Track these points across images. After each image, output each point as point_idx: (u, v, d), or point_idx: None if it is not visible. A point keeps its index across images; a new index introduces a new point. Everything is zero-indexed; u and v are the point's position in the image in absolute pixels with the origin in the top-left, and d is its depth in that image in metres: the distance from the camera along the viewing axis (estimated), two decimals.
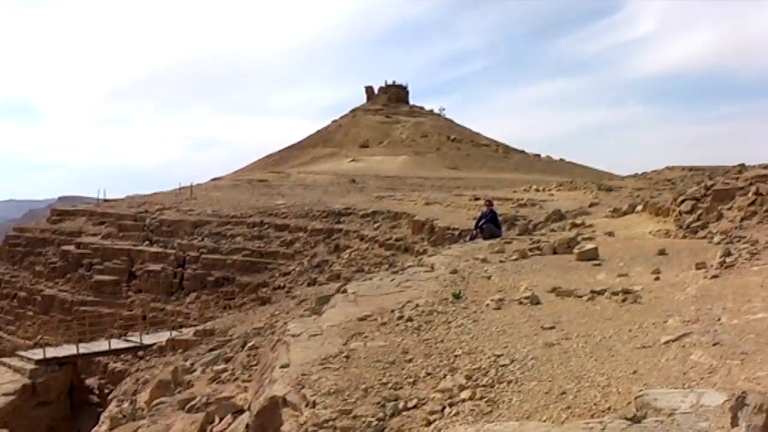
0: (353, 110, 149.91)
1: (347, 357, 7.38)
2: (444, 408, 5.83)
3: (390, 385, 6.49)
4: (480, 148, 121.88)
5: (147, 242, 48.79)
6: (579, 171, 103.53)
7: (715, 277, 9.28)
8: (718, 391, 4.64)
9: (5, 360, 31.26)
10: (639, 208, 19.95)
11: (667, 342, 6.57)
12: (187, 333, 27.92)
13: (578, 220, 21.09)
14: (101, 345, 32.34)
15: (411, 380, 6.57)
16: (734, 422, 3.89)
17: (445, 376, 6.53)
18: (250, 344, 15.64)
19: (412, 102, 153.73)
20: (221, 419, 9.85)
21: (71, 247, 50.68)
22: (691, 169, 38.45)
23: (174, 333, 30.79)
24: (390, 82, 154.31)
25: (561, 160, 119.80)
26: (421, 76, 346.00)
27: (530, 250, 14.13)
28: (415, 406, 5.98)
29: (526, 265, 12.51)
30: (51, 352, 30.95)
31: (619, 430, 4.21)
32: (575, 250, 12.94)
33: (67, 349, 31.64)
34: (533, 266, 12.37)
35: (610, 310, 8.30)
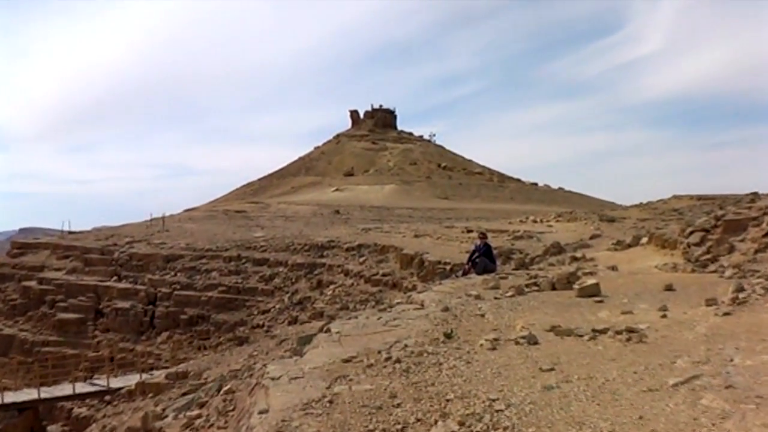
0: (337, 136, 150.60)
1: (331, 402, 7.29)
2: None
3: None
4: (473, 176, 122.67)
5: (115, 278, 48.49)
6: (579, 200, 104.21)
7: (726, 314, 9.27)
8: None
9: None
10: (644, 240, 19.99)
11: (675, 385, 6.53)
12: (159, 376, 27.63)
13: (578, 254, 21.10)
14: (65, 389, 31.91)
15: (399, 427, 6.48)
16: None
17: (436, 422, 6.45)
18: (226, 388, 15.46)
19: (400, 127, 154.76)
20: None
21: (33, 283, 50.26)
22: (699, 198, 38.60)
23: (144, 376, 30.49)
24: (376, 105, 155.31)
25: (560, 189, 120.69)
26: (410, 99, 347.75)
27: (527, 285, 14.07)
28: None
29: (522, 302, 12.45)
30: (10, 397, 30.50)
31: None
32: (575, 286, 12.91)
33: (28, 394, 31.22)
34: (530, 303, 12.32)
35: (614, 351, 8.26)
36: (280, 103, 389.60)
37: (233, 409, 11.67)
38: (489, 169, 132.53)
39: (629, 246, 20.35)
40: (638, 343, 8.45)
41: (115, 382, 31.33)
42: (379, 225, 53.04)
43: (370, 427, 6.53)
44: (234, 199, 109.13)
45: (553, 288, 13.67)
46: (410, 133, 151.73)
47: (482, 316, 11.46)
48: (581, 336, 9.09)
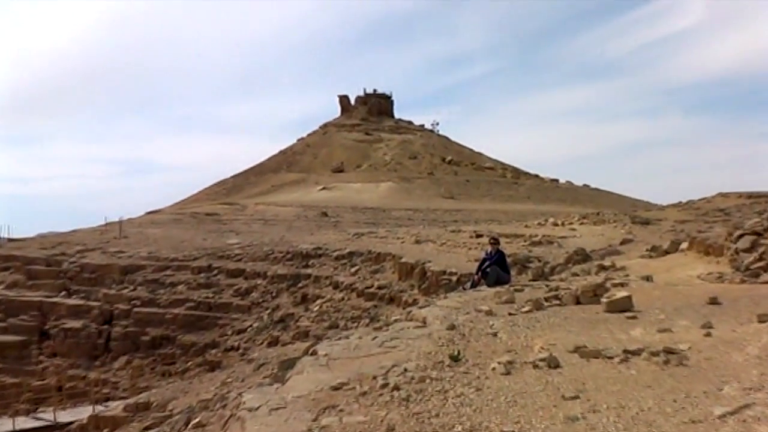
0: (324, 126, 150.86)
1: None
2: None
3: None
4: (483, 172, 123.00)
5: (64, 293, 48.35)
6: (607, 199, 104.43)
7: None
8: None
9: None
10: (684, 245, 20.00)
11: (722, 416, 6.50)
12: (116, 408, 27.55)
13: (607, 262, 21.10)
14: (4, 425, 31.76)
15: None
16: None
17: None
18: (195, 421, 15.41)
19: (397, 115, 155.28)
20: None
21: None
22: (749, 196, 38.55)
23: (98, 408, 30.38)
24: (370, 90, 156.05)
25: (584, 186, 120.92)
26: (409, 82, 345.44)
27: (547, 299, 14.08)
28: None
29: (541, 319, 12.44)
30: None
31: None
32: (604, 300, 12.90)
33: None
34: (551, 320, 12.31)
35: (649, 375, 8.24)
36: (258, 87, 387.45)
37: None
38: (501, 164, 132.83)
39: (666, 252, 20.35)
40: (678, 366, 8.43)
41: (64, 416, 31.25)
42: (373, 229, 53.06)
43: None
44: (204, 200, 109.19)
45: (578, 302, 13.67)
46: (409, 122, 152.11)
47: (494, 335, 11.45)
48: (611, 358, 9.07)
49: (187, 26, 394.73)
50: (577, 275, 19.78)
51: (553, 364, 9.00)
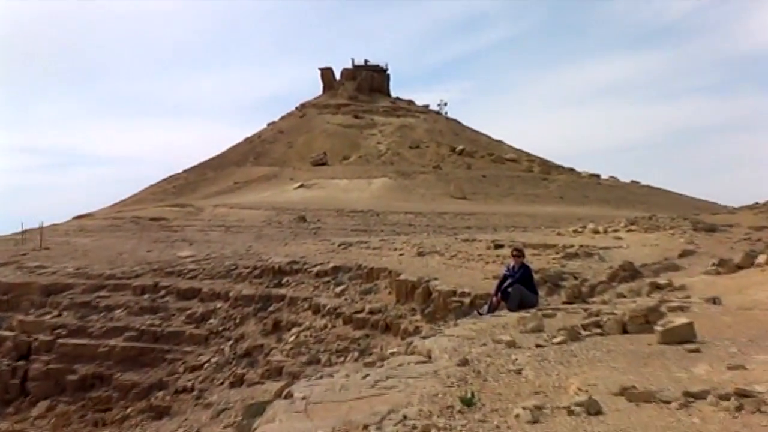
0: (302, 107, 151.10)
1: None
2: None
3: None
4: (503, 165, 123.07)
5: None
6: (663, 200, 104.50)
7: None
8: None
9: None
10: (761, 259, 20.00)
11: None
12: None
13: (662, 280, 21.11)
14: None
15: None
16: None
17: None
18: None
19: (394, 93, 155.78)
20: None
21: None
22: None
23: None
24: (360, 61, 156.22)
25: (633, 183, 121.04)
26: (409, 52, 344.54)
27: (585, 327, 14.09)
28: None
29: (578, 352, 12.43)
30: None
31: None
32: (658, 328, 12.88)
33: None
34: (590, 353, 12.29)
35: (717, 425, 8.24)
36: (217, 58, 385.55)
37: None
38: (527, 155, 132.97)
39: (739, 268, 20.35)
40: (754, 413, 8.43)
41: None
42: (364, 238, 53.07)
43: None
44: (149, 201, 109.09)
45: (624, 330, 13.68)
46: (410, 102, 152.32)
47: (518, 372, 11.44)
48: (667, 402, 9.07)
49: None
50: (624, 296, 19.79)
51: (593, 409, 9.00)
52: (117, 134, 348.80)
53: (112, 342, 43.14)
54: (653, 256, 28.79)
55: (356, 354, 28.38)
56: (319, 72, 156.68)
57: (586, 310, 16.83)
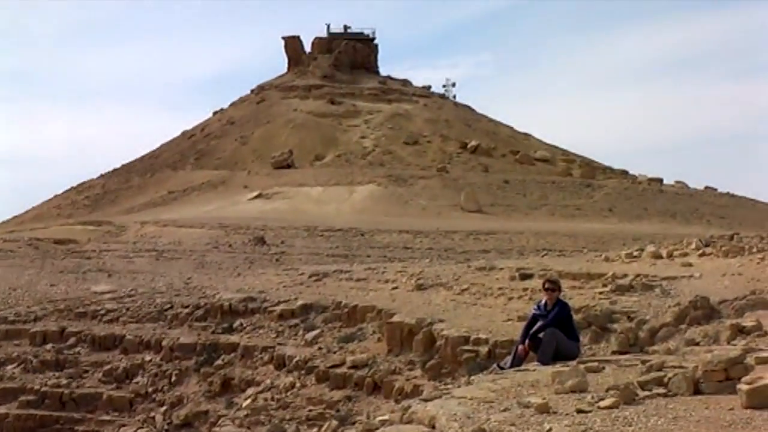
0: (259, 89, 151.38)
1: None
2: None
3: None
4: (532, 166, 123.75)
5: None
6: (748, 213, 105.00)
7: None
8: None
9: None
10: None
11: None
12: None
13: (748, 321, 21.05)
14: None
15: None
16: None
17: None
18: None
19: (384, 71, 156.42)
20: None
21: None
22: None
23: None
24: (338, 28, 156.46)
25: (708, 190, 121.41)
26: (404, 16, 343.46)
27: (644, 385, 14.05)
28: None
29: (634, 420, 12.39)
30: None
31: None
32: (743, 386, 12.77)
33: None
34: (651, 421, 12.25)
35: None
36: (141, 23, 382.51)
37: None
38: (563, 152, 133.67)
39: None
40: None
41: None
42: (345, 266, 53.09)
43: None
44: (52, 217, 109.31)
45: (697, 390, 13.66)
46: (405, 82, 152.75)
47: None
48: None
49: None
50: (697, 344, 19.72)
51: None
52: (4, 126, 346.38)
53: (2, 410, 42.91)
54: (735, 289, 28.67)
55: (334, 423, 28.11)
56: (282, 42, 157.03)
57: (644, 362, 16.73)
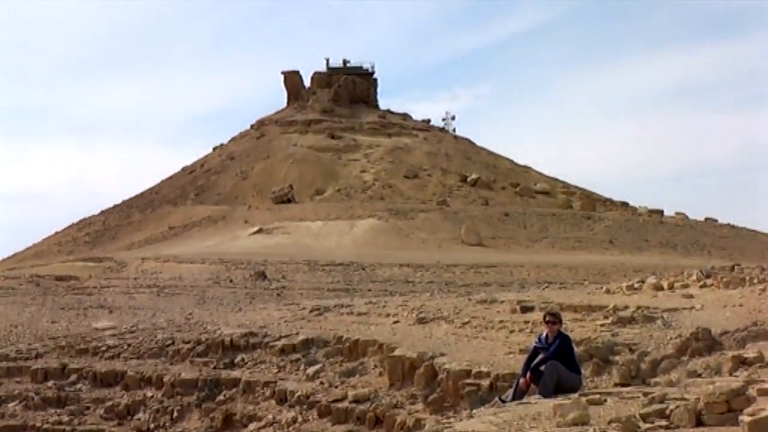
0: (259, 124, 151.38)
1: None
2: None
3: None
4: (533, 199, 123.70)
5: None
6: (749, 244, 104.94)
7: None
8: None
9: None
10: None
11: None
12: None
13: (750, 352, 21.07)
14: None
15: None
16: None
17: None
18: None
19: (384, 104, 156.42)
20: None
21: None
22: None
23: None
24: (337, 62, 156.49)
25: (708, 221, 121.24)
26: (403, 48, 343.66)
27: (646, 417, 14.06)
28: None
29: None
30: None
31: None
32: (745, 418, 12.79)
33: None
34: None
35: None
36: (142, 58, 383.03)
37: None
38: (564, 185, 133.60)
39: None
40: None
41: None
42: (346, 300, 53.06)
43: None
44: (53, 254, 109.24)
45: (699, 422, 13.68)
46: (405, 116, 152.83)
47: None
48: None
49: None
50: (699, 375, 19.73)
51: None
52: (4, 162, 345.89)
53: None
54: (737, 321, 28.68)
55: None
56: (282, 77, 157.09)
57: (646, 394, 16.75)
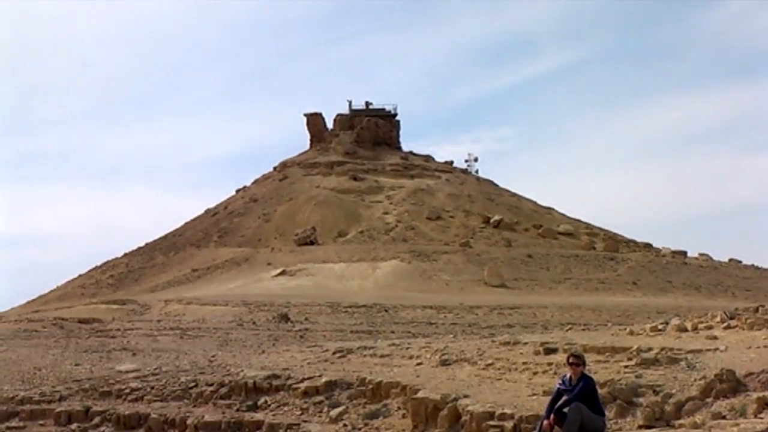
0: (282, 166, 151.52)
1: None
2: None
3: None
4: (555, 240, 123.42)
5: None
6: None
7: None
8: None
9: None
10: None
11: None
12: None
13: None
14: None
15: None
16: None
17: None
18: None
19: (406, 146, 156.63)
20: None
21: None
22: None
23: None
24: (360, 104, 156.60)
25: (732, 262, 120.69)
26: (426, 90, 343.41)
27: None
28: None
29: None
30: None
31: None
32: None
33: None
34: None
35: None
36: (164, 102, 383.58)
37: None
38: (587, 226, 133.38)
39: None
40: None
41: None
42: (369, 342, 52.88)
43: None
44: (77, 296, 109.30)
45: None
46: (427, 158, 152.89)
47: None
48: None
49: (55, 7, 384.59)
50: (723, 417, 19.62)
51: None
52: (30, 206, 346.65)
53: None
54: (762, 362, 28.53)
55: None
56: (304, 119, 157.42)
57: None
